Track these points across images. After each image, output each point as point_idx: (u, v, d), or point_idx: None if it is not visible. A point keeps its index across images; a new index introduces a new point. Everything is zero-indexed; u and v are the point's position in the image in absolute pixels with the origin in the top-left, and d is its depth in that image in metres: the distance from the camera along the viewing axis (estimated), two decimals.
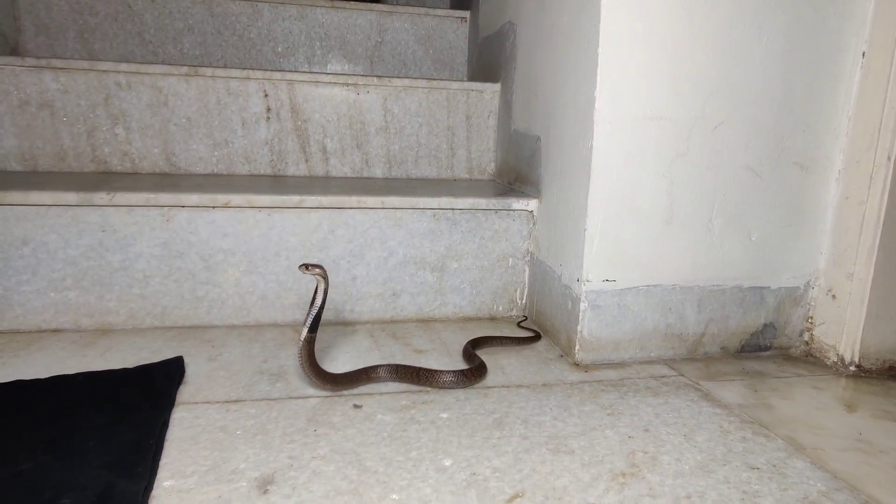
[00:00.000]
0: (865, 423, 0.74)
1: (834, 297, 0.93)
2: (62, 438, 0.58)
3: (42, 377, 0.73)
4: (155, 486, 0.54)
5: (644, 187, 0.85)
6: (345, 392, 0.75)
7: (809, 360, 0.95)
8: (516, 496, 0.55)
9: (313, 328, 0.72)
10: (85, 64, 1.16)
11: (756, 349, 0.96)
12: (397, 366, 0.79)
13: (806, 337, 0.97)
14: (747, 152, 0.89)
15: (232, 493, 0.53)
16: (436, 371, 0.78)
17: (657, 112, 0.84)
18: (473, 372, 0.79)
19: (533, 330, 1.00)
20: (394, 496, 0.54)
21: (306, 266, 0.74)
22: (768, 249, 0.93)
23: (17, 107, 1.14)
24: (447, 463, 0.60)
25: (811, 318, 0.97)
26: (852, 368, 0.90)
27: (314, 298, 0.74)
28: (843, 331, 0.91)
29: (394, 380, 0.78)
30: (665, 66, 0.83)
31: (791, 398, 0.80)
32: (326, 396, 0.74)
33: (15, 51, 1.41)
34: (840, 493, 0.58)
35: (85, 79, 1.16)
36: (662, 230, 0.87)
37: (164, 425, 0.63)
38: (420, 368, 0.78)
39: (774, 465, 0.62)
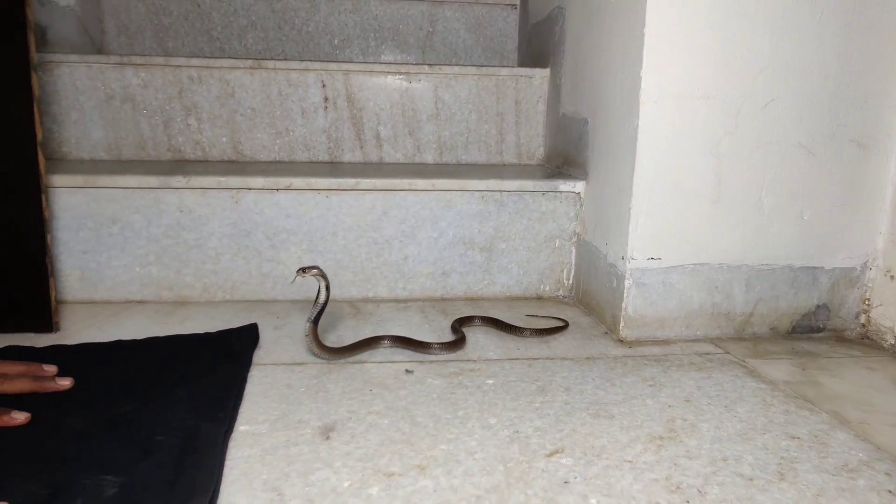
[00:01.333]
0: None
1: (892, 277, 0.91)
2: (156, 388, 0.67)
3: (137, 338, 0.82)
4: (233, 430, 0.61)
5: (691, 166, 0.86)
6: (396, 359, 0.80)
7: (865, 342, 0.94)
8: (556, 452, 0.58)
9: (315, 321, 0.78)
10: (161, 60, 1.26)
11: (808, 330, 0.95)
12: (393, 336, 0.85)
13: (862, 319, 0.95)
14: (800, 129, 0.87)
15: (298, 437, 0.59)
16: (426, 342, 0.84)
17: (705, 90, 0.84)
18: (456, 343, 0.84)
19: (561, 319, 0.99)
20: (442, 447, 0.59)
21: (303, 270, 0.78)
22: (822, 229, 0.91)
23: (104, 101, 1.26)
24: (492, 421, 0.64)
25: (868, 299, 0.95)
26: None
27: (317, 296, 0.79)
28: None
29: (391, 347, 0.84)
30: (713, 44, 0.83)
31: (840, 377, 0.79)
32: (380, 362, 0.79)
33: (100, 50, 1.54)
34: (882, 462, 0.58)
35: (161, 74, 1.26)
36: (710, 209, 0.88)
37: (242, 381, 0.70)
38: (412, 339, 0.84)
39: (816, 436, 0.63)
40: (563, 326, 0.94)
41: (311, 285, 1.06)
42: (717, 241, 0.89)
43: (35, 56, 0.81)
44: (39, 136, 0.83)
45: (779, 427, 0.65)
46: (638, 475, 0.55)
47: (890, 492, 0.54)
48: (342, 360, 0.80)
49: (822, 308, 0.94)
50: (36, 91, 0.81)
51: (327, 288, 0.80)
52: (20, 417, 0.59)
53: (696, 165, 0.86)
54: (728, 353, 0.86)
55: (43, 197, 0.84)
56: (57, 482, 0.49)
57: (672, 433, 0.63)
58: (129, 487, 0.49)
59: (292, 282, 1.00)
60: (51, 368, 0.69)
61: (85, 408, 0.62)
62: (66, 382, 0.67)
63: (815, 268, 0.93)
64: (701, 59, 0.83)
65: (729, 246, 0.90)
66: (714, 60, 0.83)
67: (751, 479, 0.55)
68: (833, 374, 0.80)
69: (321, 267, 0.81)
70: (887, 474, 0.57)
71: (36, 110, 0.81)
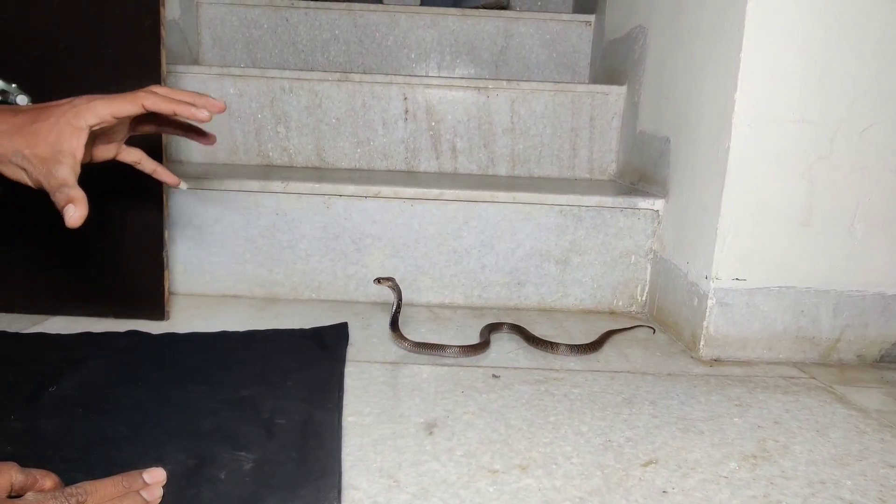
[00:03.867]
0: None
1: None
2: (266, 376, 0.72)
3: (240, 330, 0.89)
4: (343, 419, 0.65)
5: (781, 188, 0.86)
6: (482, 364, 0.84)
7: None
8: (650, 462, 0.60)
9: (394, 327, 0.89)
10: (256, 72, 1.35)
11: None
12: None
13: None
14: None
15: (403, 430, 0.64)
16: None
17: (799, 114, 0.84)
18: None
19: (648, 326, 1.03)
20: (539, 449, 0.61)
21: (379, 280, 0.92)
22: None
23: None
24: (583, 429, 0.66)
25: None
26: None
27: (395, 304, 0.91)
28: None
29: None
30: (810, 68, 0.83)
31: None
32: (467, 366, 0.83)
33: (196, 61, 1.66)
34: None
35: (256, 84, 1.35)
36: (799, 232, 0.88)
37: (342, 375, 0.75)
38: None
39: None
40: (604, 338, 0.95)
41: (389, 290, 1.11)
42: (805, 264, 0.89)
43: (166, 69, 0.89)
44: (165, 139, 0.91)
45: (875, 455, 0.64)
46: (735, 491, 0.56)
47: None
48: (425, 355, 0.85)
49: None
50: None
51: (399, 298, 0.91)
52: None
53: (786, 188, 0.86)
54: (813, 378, 0.86)
55: (164, 196, 0.92)
56: (201, 453, 0.54)
57: (765, 453, 0.64)
58: (263, 463, 0.54)
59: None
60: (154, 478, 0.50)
61: (209, 390, 0.68)
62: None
63: None
64: (796, 83, 0.84)
65: (817, 270, 0.89)
66: (810, 85, 0.84)
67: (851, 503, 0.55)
68: None
69: (396, 279, 0.93)
70: None
71: None
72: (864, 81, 0.84)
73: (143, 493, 0.48)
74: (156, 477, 0.50)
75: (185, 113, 0.61)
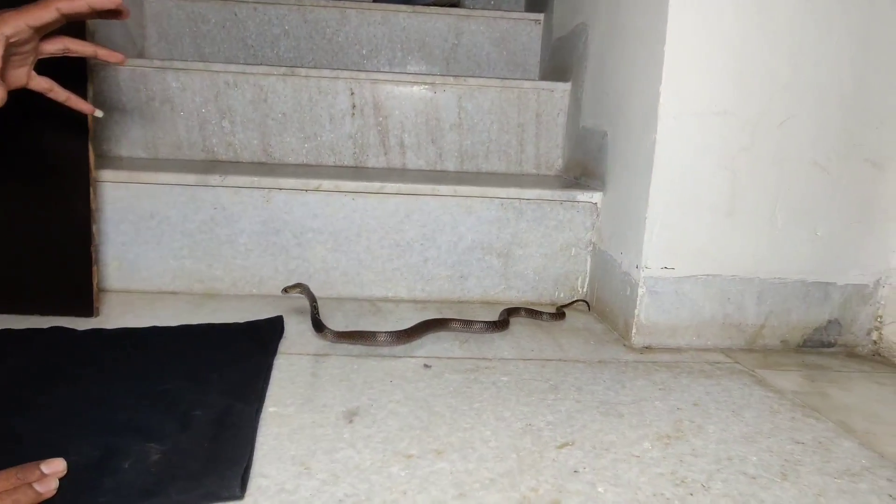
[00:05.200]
0: None
1: None
2: (192, 369, 0.71)
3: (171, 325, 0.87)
4: (262, 410, 0.64)
5: (706, 179, 0.89)
6: (416, 355, 0.84)
7: (876, 358, 0.95)
8: (566, 444, 0.61)
9: (319, 328, 0.87)
10: (200, 65, 1.33)
11: (819, 345, 0.96)
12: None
13: (874, 336, 0.97)
14: (815, 148, 0.90)
15: (324, 419, 0.63)
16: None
17: (722, 107, 0.87)
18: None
19: (559, 309, 1.07)
20: (458, 434, 0.62)
21: (286, 289, 0.93)
22: (835, 245, 0.93)
23: (144, 102, 1.32)
24: (506, 414, 0.67)
25: (881, 316, 0.96)
26: None
27: (311, 307, 0.90)
28: None
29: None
30: (731, 63, 0.86)
31: (849, 390, 0.81)
32: (400, 357, 0.83)
33: (141, 54, 1.62)
34: (885, 469, 0.60)
35: (200, 78, 1.33)
36: (723, 222, 0.90)
37: (269, 368, 0.74)
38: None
39: (820, 443, 0.65)
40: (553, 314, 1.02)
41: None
42: (731, 253, 0.92)
43: (91, 61, 0.87)
44: (91, 132, 0.88)
45: (784, 432, 0.67)
46: (644, 468, 0.58)
47: (891, 496, 0.56)
48: (352, 345, 0.86)
49: (833, 323, 0.96)
50: (91, 93, 0.87)
51: (313, 300, 0.91)
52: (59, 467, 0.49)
53: (711, 179, 0.89)
54: (738, 362, 0.88)
55: (91, 190, 0.89)
56: (108, 445, 0.53)
57: (679, 433, 0.65)
58: (172, 454, 0.53)
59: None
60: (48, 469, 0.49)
61: (129, 384, 0.67)
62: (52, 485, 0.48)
63: (827, 283, 0.94)
64: (719, 76, 0.86)
65: (742, 259, 0.92)
66: (732, 78, 0.87)
67: (754, 478, 0.57)
68: (842, 387, 0.81)
69: (302, 283, 0.94)
70: (889, 480, 0.58)
71: None
72: (782, 76, 0.87)
73: (37, 485, 0.46)
74: (54, 468, 0.48)
75: (101, 4, 0.62)
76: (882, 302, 0.96)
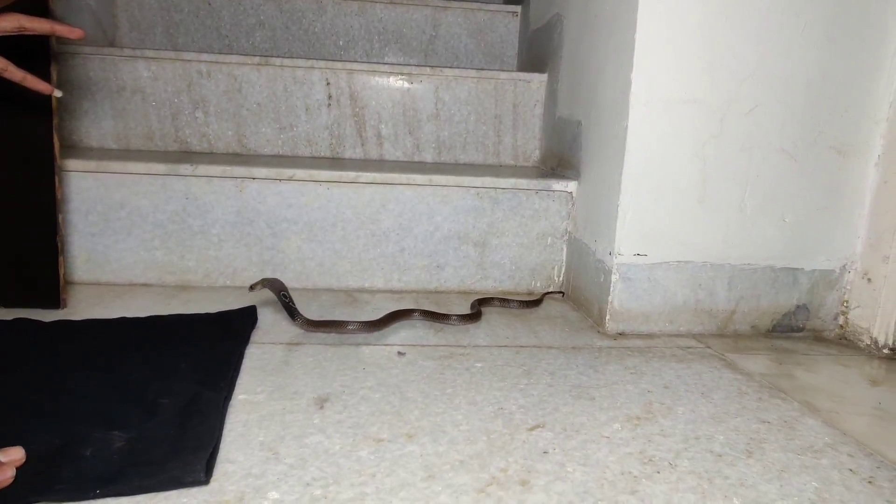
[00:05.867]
0: (887, 395, 0.76)
1: (869, 280, 0.94)
2: (160, 359, 0.70)
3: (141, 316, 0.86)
4: (232, 398, 0.64)
5: (677, 167, 0.90)
6: (390, 342, 0.84)
7: (843, 342, 0.97)
8: (537, 426, 0.62)
9: (296, 316, 0.86)
10: (172, 54, 1.30)
11: (788, 329, 0.98)
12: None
13: (840, 320, 0.99)
14: (782, 135, 0.91)
15: (294, 406, 0.63)
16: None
17: (691, 95, 0.88)
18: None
19: (537, 298, 1.08)
20: (430, 419, 0.62)
21: (251, 287, 0.87)
22: (802, 231, 0.95)
23: (115, 92, 1.30)
24: (478, 399, 0.67)
25: (846, 301, 0.98)
26: (885, 351, 0.91)
27: (283, 300, 0.87)
28: (878, 313, 0.92)
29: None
30: (700, 51, 0.87)
31: (815, 371, 0.83)
32: (374, 344, 0.83)
33: (112, 44, 1.58)
34: (846, 446, 0.62)
35: (172, 67, 1.30)
36: (694, 209, 0.92)
37: (240, 357, 0.73)
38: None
39: (785, 421, 0.66)
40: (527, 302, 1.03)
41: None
42: (702, 239, 0.93)
43: (55, 45, 0.85)
44: (55, 120, 0.86)
45: (751, 412, 0.68)
46: (613, 448, 0.58)
47: (851, 470, 0.57)
48: (326, 334, 0.85)
49: (801, 308, 0.98)
50: (55, 78, 0.85)
51: (279, 290, 0.87)
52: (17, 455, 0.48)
53: (682, 167, 0.90)
54: (709, 347, 0.90)
55: (56, 178, 0.87)
56: (70, 434, 0.52)
57: (649, 414, 0.66)
58: (136, 441, 0.52)
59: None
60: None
61: (95, 374, 0.65)
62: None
63: (795, 269, 0.96)
64: (689, 65, 0.87)
65: (712, 245, 0.93)
66: (701, 67, 0.88)
67: (720, 455, 0.58)
68: (808, 369, 0.83)
69: (263, 279, 0.89)
70: (850, 455, 0.60)
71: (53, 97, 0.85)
72: (750, 64, 0.88)
73: None
74: (11, 455, 0.47)
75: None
76: (848, 287, 0.98)
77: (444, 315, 0.94)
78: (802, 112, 0.91)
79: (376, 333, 0.87)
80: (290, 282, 1.09)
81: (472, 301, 1.03)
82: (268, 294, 1.02)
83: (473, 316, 0.95)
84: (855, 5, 0.89)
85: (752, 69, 0.89)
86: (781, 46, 0.89)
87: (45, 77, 0.84)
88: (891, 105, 0.92)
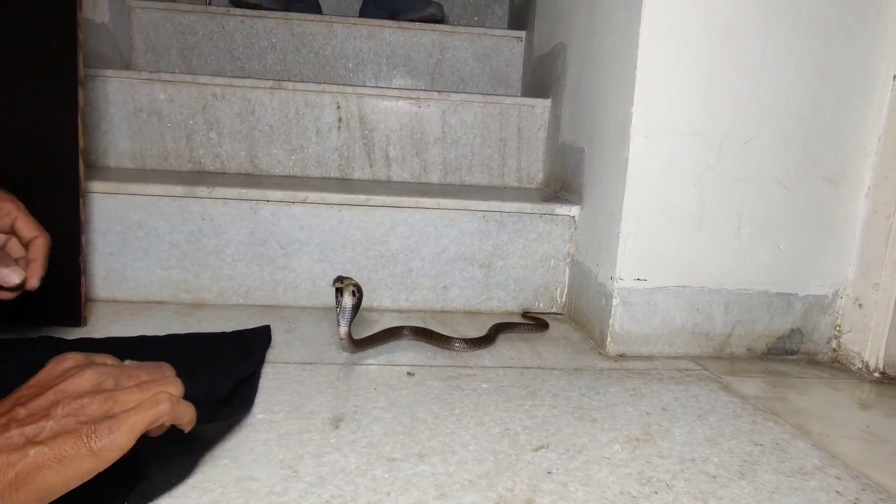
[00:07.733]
0: (876, 419, 0.79)
1: (861, 305, 0.98)
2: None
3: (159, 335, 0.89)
4: (250, 417, 0.67)
5: (675, 195, 0.94)
6: (399, 363, 0.87)
7: (835, 365, 1.00)
8: (542, 447, 0.65)
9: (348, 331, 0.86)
10: (188, 77, 1.35)
11: (782, 353, 1.02)
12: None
13: (833, 344, 1.02)
14: (776, 166, 0.95)
15: (311, 425, 0.66)
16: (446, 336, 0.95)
17: (690, 127, 0.92)
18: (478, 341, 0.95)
19: (541, 320, 1.10)
20: (440, 439, 0.65)
21: (339, 279, 0.85)
22: (796, 258, 0.99)
23: (132, 114, 1.34)
24: (485, 419, 0.71)
25: (839, 325, 1.02)
26: (876, 375, 0.95)
27: (349, 304, 0.85)
28: (868, 338, 0.96)
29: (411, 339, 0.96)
30: (698, 86, 0.91)
31: (807, 395, 0.86)
32: (384, 365, 0.86)
33: (128, 66, 1.63)
34: (834, 468, 0.65)
35: (187, 90, 1.35)
36: (692, 235, 0.95)
37: (258, 376, 0.77)
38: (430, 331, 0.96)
39: (777, 444, 0.70)
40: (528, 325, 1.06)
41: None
42: (699, 265, 0.96)
43: (83, 72, 0.89)
44: (81, 144, 0.90)
45: (745, 435, 0.71)
46: (613, 469, 0.62)
47: (838, 492, 0.60)
48: (360, 355, 0.89)
49: (795, 332, 1.01)
50: (81, 104, 0.89)
51: (354, 297, 0.85)
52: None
53: (680, 195, 0.94)
54: (706, 369, 0.93)
55: (81, 201, 0.91)
56: None
57: (647, 436, 0.69)
58: (148, 458, 0.55)
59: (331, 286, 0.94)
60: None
61: None
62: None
63: (789, 294, 1.00)
64: (687, 99, 0.91)
65: (710, 270, 0.97)
66: (699, 101, 0.92)
67: (714, 477, 0.61)
68: (801, 393, 0.86)
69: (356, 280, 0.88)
70: (837, 478, 0.63)
71: (80, 121, 0.89)
72: (745, 97, 0.93)
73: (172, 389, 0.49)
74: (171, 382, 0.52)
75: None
76: (840, 312, 1.01)
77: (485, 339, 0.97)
78: (796, 144, 0.95)
79: (387, 353, 0.90)
80: (301, 301, 1.13)
81: (489, 325, 1.04)
82: (280, 312, 1.05)
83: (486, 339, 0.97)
84: (844, 43, 0.93)
85: (748, 103, 0.93)
86: (775, 81, 0.93)
87: (73, 102, 0.88)
88: (879, 138, 0.96)
